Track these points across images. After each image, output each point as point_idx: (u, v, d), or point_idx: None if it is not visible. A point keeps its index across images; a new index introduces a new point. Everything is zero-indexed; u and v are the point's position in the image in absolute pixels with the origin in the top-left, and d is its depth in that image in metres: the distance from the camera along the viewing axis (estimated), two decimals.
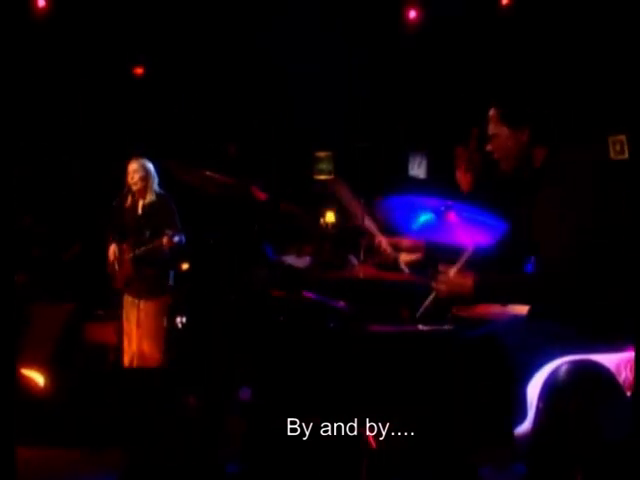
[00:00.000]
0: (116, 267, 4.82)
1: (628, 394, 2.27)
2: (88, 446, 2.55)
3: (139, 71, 8.25)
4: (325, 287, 2.51)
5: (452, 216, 2.96)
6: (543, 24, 7.22)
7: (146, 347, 4.65)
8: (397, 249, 2.69)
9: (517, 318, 2.57)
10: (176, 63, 7.94)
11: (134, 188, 4.83)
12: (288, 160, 8.19)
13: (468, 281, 2.38)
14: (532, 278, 2.51)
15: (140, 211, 4.89)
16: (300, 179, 8.22)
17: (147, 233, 4.77)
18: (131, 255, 4.76)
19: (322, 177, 8.32)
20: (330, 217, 7.30)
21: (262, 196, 2.43)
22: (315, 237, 6.01)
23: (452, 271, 2.46)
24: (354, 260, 6.93)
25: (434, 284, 2.46)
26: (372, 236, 2.65)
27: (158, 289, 4.86)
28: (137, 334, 4.74)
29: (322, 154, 8.35)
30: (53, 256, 5.31)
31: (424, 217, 2.93)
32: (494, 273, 2.54)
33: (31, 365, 4.02)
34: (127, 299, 4.85)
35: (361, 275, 2.34)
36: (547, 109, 2.49)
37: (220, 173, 2.46)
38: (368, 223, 2.64)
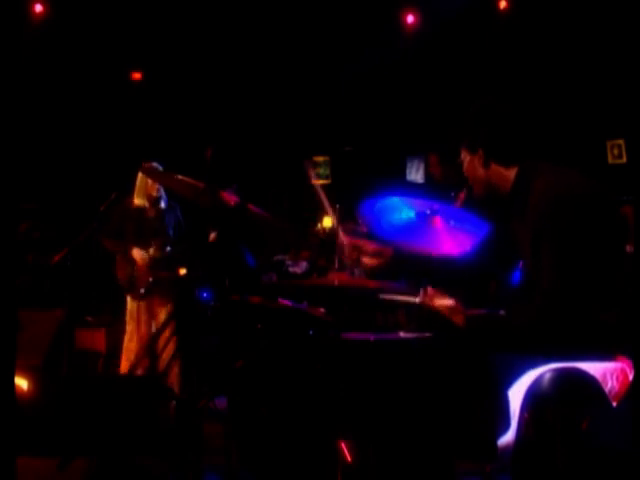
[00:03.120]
0: (138, 272, 4.83)
1: (614, 404, 2.22)
2: (63, 455, 2.51)
3: (137, 76, 8.24)
4: (301, 294, 2.46)
5: (437, 221, 2.91)
6: (542, 27, 7.19)
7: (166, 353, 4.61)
8: (360, 251, 2.59)
9: None
10: (173, 68, 7.93)
11: (154, 195, 4.90)
12: (285, 165, 8.16)
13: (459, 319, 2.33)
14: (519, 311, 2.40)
15: (154, 215, 4.96)
16: (297, 184, 8.20)
17: (162, 239, 4.87)
18: (153, 258, 4.81)
19: (320, 181, 8.30)
20: (327, 222, 7.26)
21: (231, 201, 2.39)
22: (307, 242, 5.97)
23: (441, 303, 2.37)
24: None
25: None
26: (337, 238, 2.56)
27: (170, 294, 4.89)
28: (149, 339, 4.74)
29: (319, 159, 8.34)
30: (43, 261, 5.28)
31: (406, 214, 2.85)
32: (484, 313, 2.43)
33: (19, 371, 3.97)
34: (139, 305, 4.81)
35: (336, 282, 2.29)
36: (497, 127, 2.39)
37: (194, 177, 2.43)
38: (336, 224, 2.57)
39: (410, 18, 7.83)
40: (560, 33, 7.11)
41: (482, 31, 7.43)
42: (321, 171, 8.28)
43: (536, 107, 6.53)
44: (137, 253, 4.79)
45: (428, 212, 2.85)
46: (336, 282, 2.26)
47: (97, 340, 5.07)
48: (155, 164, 4.78)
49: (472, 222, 2.90)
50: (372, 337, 2.35)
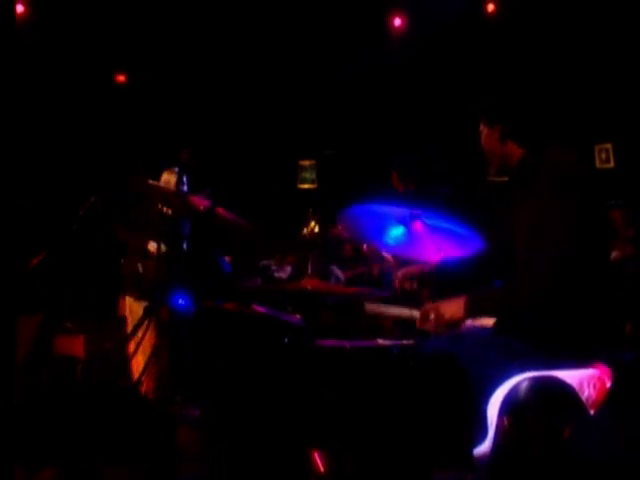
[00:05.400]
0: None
1: (591, 412, 2.19)
2: (30, 465, 2.45)
3: (121, 78, 8.19)
4: (274, 299, 2.43)
5: (418, 225, 2.90)
6: (530, 31, 7.19)
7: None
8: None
9: (479, 332, 2.48)
10: (159, 70, 7.88)
11: None
12: (272, 169, 8.13)
13: (460, 303, 2.30)
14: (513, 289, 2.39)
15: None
16: (284, 188, 8.17)
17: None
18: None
19: (306, 186, 8.28)
20: (312, 227, 7.21)
21: (201, 205, 2.34)
22: (282, 246, 5.93)
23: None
24: (336, 270, 6.87)
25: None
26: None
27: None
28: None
29: (306, 163, 8.30)
30: (20, 266, 5.20)
31: (395, 231, 2.89)
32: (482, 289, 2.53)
33: None
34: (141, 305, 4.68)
35: (309, 287, 2.25)
36: (519, 107, 2.52)
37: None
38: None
39: (397, 21, 7.82)
40: (548, 38, 7.11)
41: (470, 35, 7.42)
42: (307, 175, 8.25)
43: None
44: (151, 246, 4.72)
45: (409, 217, 2.85)
46: (309, 287, 2.22)
47: (76, 346, 4.99)
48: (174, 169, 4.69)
49: (450, 221, 2.91)
50: (348, 344, 2.31)
